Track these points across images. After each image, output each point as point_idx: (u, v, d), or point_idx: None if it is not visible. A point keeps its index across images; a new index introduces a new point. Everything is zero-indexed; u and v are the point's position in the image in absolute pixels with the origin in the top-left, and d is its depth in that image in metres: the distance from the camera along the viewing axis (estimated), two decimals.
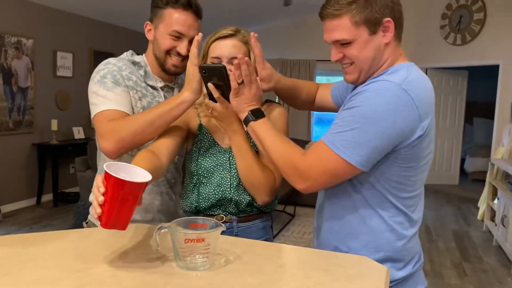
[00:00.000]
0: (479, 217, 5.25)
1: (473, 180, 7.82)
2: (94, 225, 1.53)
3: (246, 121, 1.22)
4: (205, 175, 1.38)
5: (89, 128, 6.13)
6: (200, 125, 1.43)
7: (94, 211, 0.92)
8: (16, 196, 5.17)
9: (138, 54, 1.55)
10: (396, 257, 1.16)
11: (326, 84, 1.50)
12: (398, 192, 1.13)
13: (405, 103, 1.03)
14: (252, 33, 1.26)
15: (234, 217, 1.38)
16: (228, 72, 1.20)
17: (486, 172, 5.28)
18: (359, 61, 1.13)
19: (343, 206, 1.18)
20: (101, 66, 1.43)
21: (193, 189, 1.40)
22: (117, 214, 0.92)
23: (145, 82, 1.48)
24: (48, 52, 5.51)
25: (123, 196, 0.91)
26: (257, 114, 1.21)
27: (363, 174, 1.10)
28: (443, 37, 6.66)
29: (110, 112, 1.33)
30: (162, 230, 0.97)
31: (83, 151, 5.16)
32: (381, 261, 1.12)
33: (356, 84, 1.20)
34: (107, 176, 0.91)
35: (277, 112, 1.42)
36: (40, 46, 5.35)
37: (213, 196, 1.36)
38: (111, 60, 1.45)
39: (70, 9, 5.68)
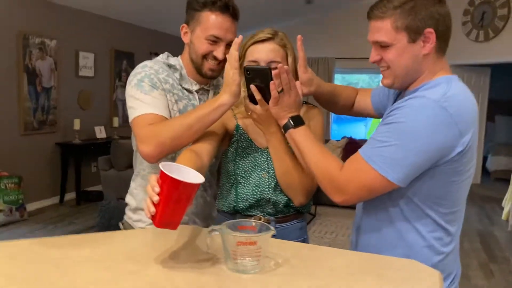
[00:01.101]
0: (503, 216, 5.14)
1: (495, 179, 7.69)
2: (130, 226, 1.54)
3: (286, 128, 1.22)
4: (243, 175, 1.38)
5: (110, 128, 6.20)
6: (237, 126, 1.43)
7: (147, 211, 0.93)
8: (40, 195, 5.25)
9: (173, 56, 1.55)
10: None
11: (365, 90, 1.49)
12: (439, 208, 1.12)
13: (443, 121, 1.03)
14: (298, 36, 1.25)
15: (272, 217, 1.38)
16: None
17: (508, 170, 5.20)
18: (395, 66, 1.12)
19: (380, 219, 1.18)
20: (138, 69, 1.43)
21: (230, 189, 1.41)
22: (171, 213, 0.93)
23: (181, 85, 1.47)
24: (71, 52, 5.58)
25: (178, 196, 0.92)
26: (296, 121, 1.21)
27: (401, 189, 1.09)
28: (465, 34, 6.56)
29: (148, 116, 1.32)
30: (213, 233, 0.98)
31: (104, 150, 5.22)
32: None
33: (392, 88, 1.20)
34: (163, 176, 0.92)
35: (315, 116, 1.43)
36: (62, 46, 5.41)
37: (251, 197, 1.37)
38: (147, 63, 1.44)
39: (91, 9, 5.74)
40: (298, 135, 1.20)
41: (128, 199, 1.55)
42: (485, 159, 7.98)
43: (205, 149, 1.30)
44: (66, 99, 5.54)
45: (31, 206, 5.04)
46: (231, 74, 1.26)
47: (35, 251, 1.05)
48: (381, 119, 1.17)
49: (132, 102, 1.37)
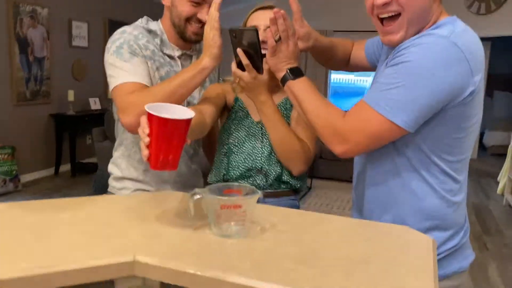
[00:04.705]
0: (499, 191, 5.15)
1: (492, 154, 7.69)
2: None
3: (284, 80, 1.15)
4: (236, 143, 1.35)
5: (105, 99, 6.11)
6: (236, 98, 1.40)
7: (143, 154, 0.92)
8: (34, 166, 5.21)
9: (153, 21, 1.46)
10: (445, 225, 1.09)
11: (360, 42, 1.41)
12: (447, 156, 1.05)
13: (455, 57, 0.95)
14: None
15: (261, 191, 1.33)
16: (261, 37, 1.15)
17: (505, 146, 5.17)
18: (409, 8, 1.01)
19: (386, 172, 1.10)
20: (116, 35, 1.35)
21: (223, 158, 1.37)
22: (166, 154, 0.91)
23: (162, 51, 1.40)
24: (63, 22, 5.44)
25: (168, 135, 0.90)
26: (295, 72, 1.14)
27: (408, 136, 1.02)
28: (466, 6, 6.42)
29: (129, 85, 1.27)
30: (196, 196, 0.93)
31: (99, 121, 5.15)
32: (429, 230, 1.06)
33: (402, 41, 1.06)
34: (150, 116, 0.89)
35: None
36: (55, 15, 5.28)
37: (243, 165, 1.32)
38: (126, 28, 1.36)
39: None
40: (297, 87, 1.12)
41: (111, 168, 1.51)
42: (482, 134, 7.95)
43: (208, 109, 1.29)
44: (60, 69, 5.44)
45: (25, 178, 5.00)
46: (211, 35, 1.21)
47: (13, 214, 1.00)
48: None
49: (111, 70, 1.30)
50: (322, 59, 1.40)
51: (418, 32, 1.05)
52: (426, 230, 1.05)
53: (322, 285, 0.72)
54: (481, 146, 7.72)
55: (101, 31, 6.07)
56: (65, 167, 5.55)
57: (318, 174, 5.53)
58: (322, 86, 7.80)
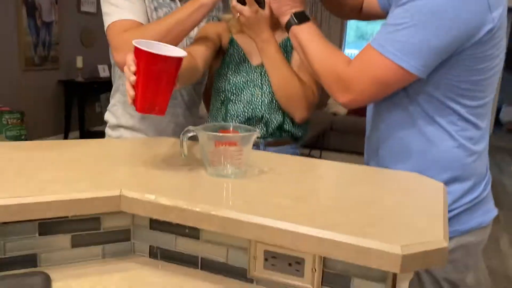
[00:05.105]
0: None
1: (508, 130, 7.52)
2: None
3: (288, 26, 1.07)
4: (234, 91, 1.26)
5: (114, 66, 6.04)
6: (232, 39, 1.31)
7: (128, 95, 0.83)
8: (43, 132, 5.21)
9: None
10: (465, 176, 1.00)
11: None
12: (467, 101, 0.95)
13: None
14: None
15: (261, 140, 1.27)
16: None
17: None
18: None
19: (400, 121, 1.01)
20: None
21: (220, 107, 1.29)
22: (153, 95, 0.82)
23: None
24: None
25: (157, 74, 0.81)
26: (300, 17, 1.06)
27: (419, 83, 0.93)
28: None
29: (124, 22, 1.20)
30: (190, 134, 0.87)
31: (108, 89, 5.08)
32: (449, 181, 0.97)
33: None
34: (137, 52, 0.80)
35: None
36: None
37: (242, 114, 1.25)
38: None
39: None
40: (301, 32, 1.04)
41: (107, 116, 1.46)
42: (498, 110, 7.75)
43: (200, 51, 1.20)
44: (68, 35, 5.37)
45: None
46: None
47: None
48: None
49: (107, 7, 1.24)
50: (332, 7, 1.30)
51: None
52: (444, 183, 0.96)
53: (318, 222, 0.66)
54: (497, 122, 7.54)
55: None
56: (74, 134, 5.54)
57: (329, 146, 5.44)
58: (337, 43, 7.64)
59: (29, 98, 4.94)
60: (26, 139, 4.68)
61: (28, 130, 4.75)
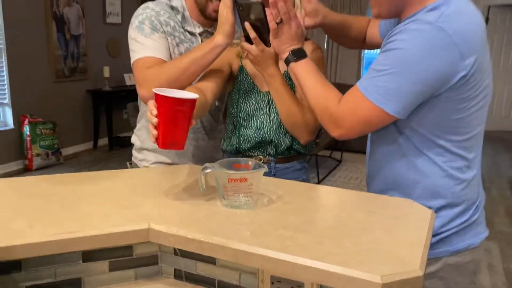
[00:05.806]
0: None
1: None
2: (136, 166, 1.60)
3: (287, 62, 1.18)
4: (245, 117, 1.40)
5: None
6: (241, 67, 1.42)
7: (151, 134, 0.98)
8: (74, 140, 5.47)
9: None
10: (455, 202, 1.09)
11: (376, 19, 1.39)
12: (452, 136, 1.04)
13: (441, 43, 0.94)
14: None
15: (272, 158, 1.40)
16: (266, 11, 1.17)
17: None
18: None
19: (391, 152, 1.12)
20: (139, 10, 1.42)
21: (233, 130, 1.43)
22: (172, 133, 0.97)
23: (183, 28, 1.46)
24: None
25: (174, 114, 0.96)
26: (298, 54, 1.16)
27: (404, 120, 1.04)
28: None
29: (147, 60, 1.34)
30: (207, 170, 1.00)
31: (134, 97, 5.29)
32: (440, 208, 1.07)
33: (380, 18, 1.15)
34: (157, 97, 0.96)
35: (310, 52, 1.34)
36: None
37: (253, 139, 1.39)
38: (149, 4, 1.43)
39: None
40: (300, 69, 1.15)
41: (134, 139, 1.61)
42: None
43: (209, 87, 1.31)
44: (95, 46, 5.61)
45: (66, 151, 5.27)
46: (225, 13, 1.23)
47: (42, 187, 1.11)
48: None
49: (133, 45, 1.38)
50: (335, 37, 1.41)
51: (401, 9, 1.07)
52: (435, 210, 1.06)
53: (314, 251, 0.78)
54: None
55: (134, 7, 6.14)
56: (103, 141, 5.79)
57: (349, 148, 5.52)
58: (356, 57, 7.67)
59: (59, 109, 5.20)
60: (58, 148, 4.93)
61: (60, 139, 5.01)
